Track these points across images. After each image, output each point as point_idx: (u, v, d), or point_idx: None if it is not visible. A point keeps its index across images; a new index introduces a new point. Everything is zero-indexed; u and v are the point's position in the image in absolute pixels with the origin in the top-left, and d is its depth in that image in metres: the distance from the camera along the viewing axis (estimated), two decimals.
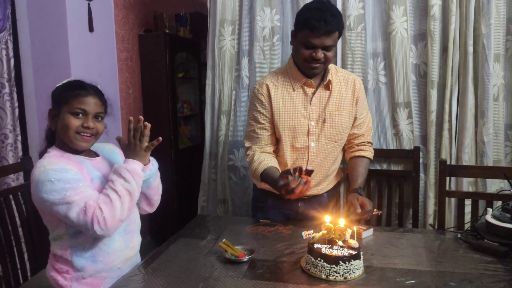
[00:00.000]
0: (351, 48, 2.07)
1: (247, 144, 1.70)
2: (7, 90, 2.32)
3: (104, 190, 1.16)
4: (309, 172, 1.31)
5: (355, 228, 1.28)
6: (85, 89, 1.21)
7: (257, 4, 2.15)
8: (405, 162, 2.05)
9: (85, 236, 1.19)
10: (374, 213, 1.52)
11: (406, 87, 2.01)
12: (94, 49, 2.59)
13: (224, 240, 1.30)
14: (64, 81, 1.27)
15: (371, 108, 2.08)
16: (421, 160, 2.02)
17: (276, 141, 1.68)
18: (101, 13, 2.63)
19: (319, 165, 1.65)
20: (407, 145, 2.03)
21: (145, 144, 1.22)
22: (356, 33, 2.06)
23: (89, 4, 2.53)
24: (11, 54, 2.36)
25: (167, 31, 3.12)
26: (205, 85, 2.31)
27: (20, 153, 2.41)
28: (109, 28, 2.75)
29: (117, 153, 1.40)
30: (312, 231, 1.21)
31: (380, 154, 2.03)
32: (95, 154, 1.33)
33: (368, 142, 1.75)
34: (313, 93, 1.61)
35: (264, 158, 1.59)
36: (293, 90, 1.62)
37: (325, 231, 1.18)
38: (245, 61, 2.21)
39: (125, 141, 1.25)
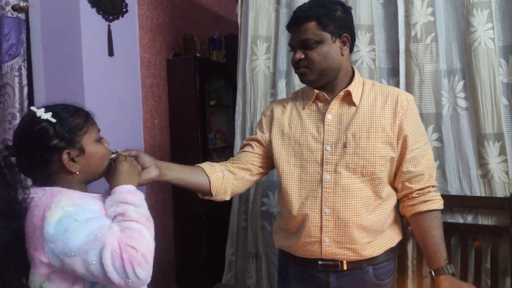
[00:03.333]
0: (418, 65, 1.61)
1: None
2: (18, 121, 2.07)
3: (118, 227, 0.90)
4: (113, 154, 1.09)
5: None
6: (85, 110, 1.06)
7: None
8: (498, 214, 1.52)
9: None
10: None
11: (496, 114, 1.51)
12: (114, 75, 2.31)
13: None
14: (47, 118, 0.96)
15: (448, 141, 1.59)
16: None
17: (280, 178, 1.29)
18: (124, 36, 2.36)
19: (341, 208, 1.17)
20: (500, 191, 1.51)
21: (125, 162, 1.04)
22: (424, 46, 1.61)
23: (109, 26, 2.26)
24: (25, 82, 2.13)
25: (198, 54, 2.81)
26: (236, 112, 1.93)
27: None
28: (133, 52, 2.48)
29: None
30: None
31: (463, 202, 1.53)
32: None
33: (433, 186, 1.24)
34: (327, 109, 1.23)
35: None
36: (303, 109, 1.28)
37: None
38: (282, 83, 1.81)
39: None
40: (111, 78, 2.28)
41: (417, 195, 1.22)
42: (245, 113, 1.89)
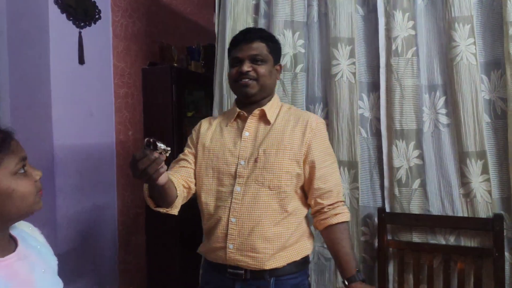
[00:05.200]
0: (399, 79, 1.56)
1: None
2: None
3: None
4: (164, 150, 1.00)
5: None
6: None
7: (275, 26, 1.71)
8: (481, 235, 1.47)
9: None
10: None
11: (479, 131, 1.47)
12: (85, 84, 2.19)
13: None
14: None
15: (429, 158, 1.54)
16: (505, 233, 1.43)
17: (198, 188, 1.36)
18: (96, 43, 2.25)
19: (245, 218, 1.25)
20: (483, 211, 1.46)
21: None
22: (405, 60, 1.56)
23: (80, 33, 2.15)
24: None
25: (175, 64, 2.72)
26: None
27: None
28: (106, 61, 2.37)
29: (36, 238, 0.97)
30: None
31: (445, 223, 1.48)
32: (14, 241, 0.88)
33: (341, 201, 1.32)
34: (244, 126, 1.33)
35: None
36: (226, 126, 1.37)
37: None
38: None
39: None
40: (81, 88, 2.16)
41: (327, 210, 1.30)
42: None
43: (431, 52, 1.59)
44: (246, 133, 1.31)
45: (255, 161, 1.26)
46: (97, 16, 2.26)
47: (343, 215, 1.29)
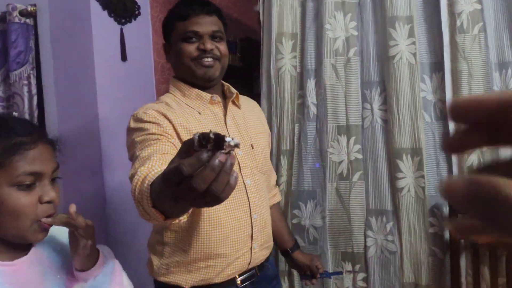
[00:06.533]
0: (466, 58, 1.44)
1: (131, 172, 0.92)
2: None
3: None
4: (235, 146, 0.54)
5: None
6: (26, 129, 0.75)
7: (325, 9, 1.62)
8: None
9: None
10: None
11: None
12: (128, 81, 2.17)
13: None
14: None
15: None
16: None
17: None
18: (136, 40, 2.23)
19: (262, 210, 1.18)
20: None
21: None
22: (471, 37, 1.44)
23: (121, 29, 2.13)
24: (34, 90, 2.01)
25: None
26: None
27: None
28: (147, 57, 2.35)
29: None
30: None
31: None
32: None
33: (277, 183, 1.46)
34: (225, 113, 1.18)
35: (158, 168, 0.84)
36: (199, 114, 1.13)
37: None
38: (311, 84, 1.66)
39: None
40: (124, 85, 2.14)
41: (273, 188, 1.37)
42: (270, 118, 1.73)
43: (499, 27, 1.46)
44: (228, 120, 1.16)
45: (252, 147, 1.18)
46: (136, 12, 2.24)
47: (278, 195, 1.42)
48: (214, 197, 0.53)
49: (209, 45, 1.09)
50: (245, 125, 1.20)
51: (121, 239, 2.02)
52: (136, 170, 0.85)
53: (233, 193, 0.93)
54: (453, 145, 0.28)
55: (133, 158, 0.99)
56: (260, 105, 1.76)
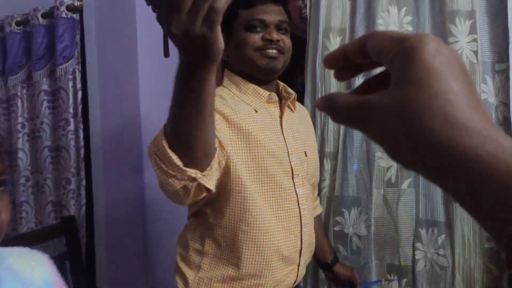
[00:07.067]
0: None
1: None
2: (72, 127, 2.00)
3: None
4: None
5: None
6: None
7: (378, 3, 1.51)
8: None
9: None
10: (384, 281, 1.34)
11: None
12: (170, 78, 2.15)
13: None
14: None
15: None
16: None
17: (239, 196, 0.94)
18: None
19: (311, 225, 1.12)
20: None
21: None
22: None
23: None
24: (79, 85, 2.05)
25: None
26: None
27: (84, 201, 2.04)
28: None
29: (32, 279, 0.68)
30: None
31: None
32: None
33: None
34: (281, 115, 1.10)
35: None
36: (256, 112, 1.04)
37: None
38: (360, 82, 1.55)
39: None
40: (167, 82, 2.13)
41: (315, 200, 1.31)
42: (314, 118, 1.65)
43: None
44: (284, 123, 1.09)
45: (305, 155, 1.11)
46: None
47: (320, 207, 1.38)
48: (202, 13, 0.52)
49: (275, 35, 1.03)
50: (299, 131, 1.14)
51: (161, 238, 2.01)
52: None
53: (284, 202, 1.00)
54: (328, 62, 0.35)
55: None
56: (303, 105, 1.69)
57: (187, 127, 0.68)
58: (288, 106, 1.13)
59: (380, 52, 0.29)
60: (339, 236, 1.58)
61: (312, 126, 1.31)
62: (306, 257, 1.11)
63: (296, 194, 1.04)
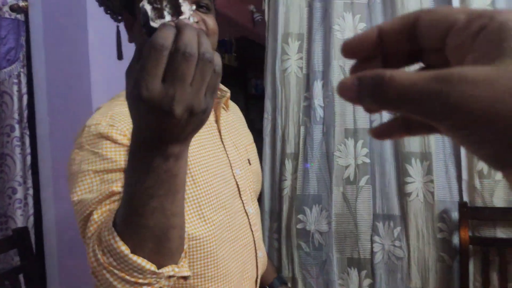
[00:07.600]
0: None
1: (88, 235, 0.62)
2: (17, 133, 1.88)
3: None
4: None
5: None
6: None
7: (334, 9, 1.59)
8: None
9: None
10: None
11: None
12: (124, 82, 2.10)
13: None
14: None
15: None
16: None
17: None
18: None
19: (262, 246, 0.96)
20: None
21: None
22: None
23: (118, 27, 2.05)
24: (24, 90, 1.93)
25: None
26: (264, 119, 1.73)
27: (31, 211, 1.92)
28: None
29: None
30: None
31: None
32: None
33: None
34: (216, 119, 0.89)
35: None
36: None
37: None
38: (318, 86, 1.62)
39: None
40: (120, 85, 2.07)
41: None
42: (275, 120, 1.69)
43: None
44: (222, 129, 0.89)
45: (249, 163, 0.93)
46: None
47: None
48: (206, 62, 0.40)
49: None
50: (238, 134, 0.95)
51: None
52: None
53: (237, 230, 0.81)
54: (378, 132, 0.31)
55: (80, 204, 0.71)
56: (264, 107, 1.72)
57: (160, 220, 0.48)
58: (222, 106, 0.94)
59: (448, 28, 0.24)
60: (302, 234, 1.63)
61: (245, 121, 1.08)
62: (260, 282, 0.94)
63: (247, 214, 0.87)
